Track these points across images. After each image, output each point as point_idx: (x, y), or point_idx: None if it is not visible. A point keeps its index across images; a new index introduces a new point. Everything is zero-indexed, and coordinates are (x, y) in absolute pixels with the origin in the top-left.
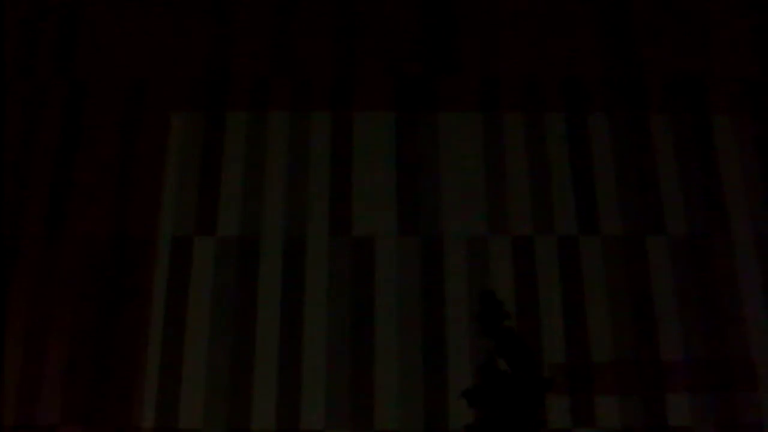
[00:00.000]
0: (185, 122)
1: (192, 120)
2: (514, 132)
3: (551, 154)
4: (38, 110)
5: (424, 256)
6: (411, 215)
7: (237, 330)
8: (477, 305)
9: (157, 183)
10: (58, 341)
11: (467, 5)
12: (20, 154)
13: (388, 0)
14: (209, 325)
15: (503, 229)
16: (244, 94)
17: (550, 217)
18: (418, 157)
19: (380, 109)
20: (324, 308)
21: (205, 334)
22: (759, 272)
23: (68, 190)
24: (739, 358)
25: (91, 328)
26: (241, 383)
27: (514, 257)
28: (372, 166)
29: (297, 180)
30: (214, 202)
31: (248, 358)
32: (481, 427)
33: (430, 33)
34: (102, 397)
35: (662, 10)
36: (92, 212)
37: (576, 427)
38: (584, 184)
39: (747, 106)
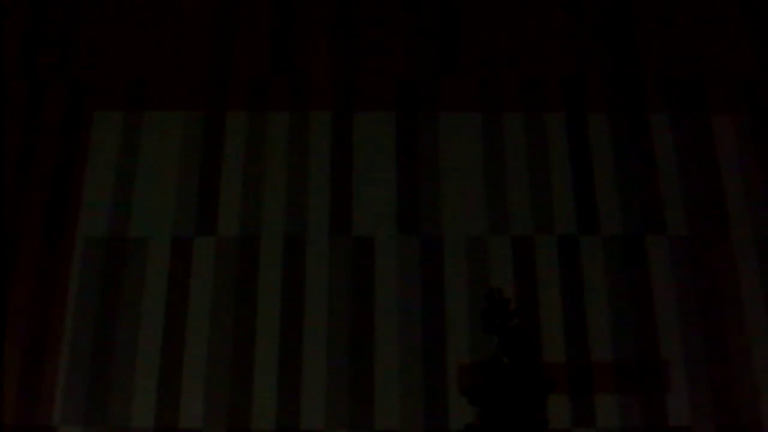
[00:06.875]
0: (185, 122)
1: (192, 120)
2: (514, 132)
3: (551, 154)
4: (38, 110)
5: (424, 256)
6: (411, 215)
7: (237, 330)
8: (483, 302)
9: (157, 183)
10: (58, 341)
11: (467, 5)
12: (20, 154)
13: (388, 0)
14: (209, 325)
15: (503, 229)
16: (244, 94)
17: (550, 217)
18: (418, 157)
19: (380, 109)
20: (324, 308)
21: (205, 334)
22: (759, 272)
23: (68, 191)
24: (738, 358)
25: (91, 328)
26: (241, 383)
27: (514, 257)
28: (372, 166)
29: (297, 180)
30: (214, 202)
31: (248, 358)
32: (483, 426)
33: (430, 33)
34: (102, 397)
35: (662, 10)
36: (92, 212)
37: (576, 427)
38: (584, 184)
39: (746, 106)
